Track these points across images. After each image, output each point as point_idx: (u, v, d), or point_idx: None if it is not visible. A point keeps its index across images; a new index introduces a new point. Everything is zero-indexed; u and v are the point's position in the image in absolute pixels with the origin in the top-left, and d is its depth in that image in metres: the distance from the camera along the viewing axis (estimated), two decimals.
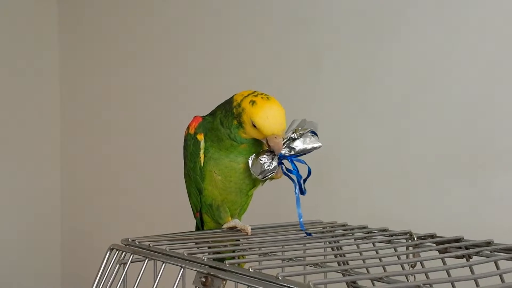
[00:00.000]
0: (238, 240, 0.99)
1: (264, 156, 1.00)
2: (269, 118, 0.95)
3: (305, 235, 1.01)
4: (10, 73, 2.24)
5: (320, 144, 1.02)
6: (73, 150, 2.30)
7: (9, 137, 2.23)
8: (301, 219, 1.02)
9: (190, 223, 1.17)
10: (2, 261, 2.20)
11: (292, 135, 1.01)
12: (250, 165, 1.01)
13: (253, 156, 1.01)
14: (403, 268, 0.95)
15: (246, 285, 0.71)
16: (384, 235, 1.02)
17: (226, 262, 0.77)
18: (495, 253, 0.88)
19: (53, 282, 2.31)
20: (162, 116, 1.91)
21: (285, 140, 1.00)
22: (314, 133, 1.02)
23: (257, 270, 0.72)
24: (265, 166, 1.00)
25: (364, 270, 0.98)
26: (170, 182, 1.72)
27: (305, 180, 1.03)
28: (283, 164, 1.02)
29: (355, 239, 1.00)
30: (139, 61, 2.01)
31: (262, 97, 0.97)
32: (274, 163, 1.00)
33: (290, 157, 1.01)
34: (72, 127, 2.31)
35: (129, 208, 2.05)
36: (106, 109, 2.15)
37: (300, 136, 1.01)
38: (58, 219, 2.33)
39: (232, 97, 1.01)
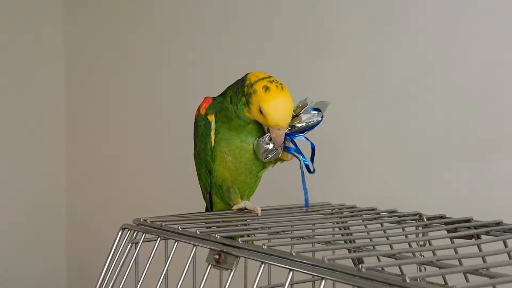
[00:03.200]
0: (246, 220, 1.00)
1: (266, 137, 1.00)
2: (277, 109, 0.95)
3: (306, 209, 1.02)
4: (16, 72, 2.24)
5: (320, 119, 1.00)
6: (79, 136, 2.31)
7: (13, 123, 2.25)
8: (307, 195, 1.02)
9: (199, 205, 1.18)
10: (5, 252, 2.22)
11: (293, 113, 1.00)
12: (254, 147, 1.02)
13: (257, 139, 1.02)
14: (411, 247, 0.96)
15: (260, 261, 0.72)
16: (393, 216, 1.02)
17: (239, 239, 0.77)
18: (504, 233, 0.88)
19: (59, 267, 2.33)
20: (171, 97, 1.91)
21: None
22: (315, 109, 1.01)
23: (270, 247, 0.73)
24: (266, 146, 1.00)
25: (374, 249, 0.98)
26: (179, 164, 1.73)
27: (312, 158, 1.03)
28: (287, 143, 1.01)
29: (364, 219, 1.00)
30: (147, 56, 2.01)
31: (276, 86, 0.97)
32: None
33: (290, 136, 1.00)
34: (76, 113, 2.31)
35: (137, 191, 2.05)
36: (113, 90, 2.15)
37: (299, 113, 1.00)
38: (63, 206, 2.33)
39: (246, 75, 1.01)
